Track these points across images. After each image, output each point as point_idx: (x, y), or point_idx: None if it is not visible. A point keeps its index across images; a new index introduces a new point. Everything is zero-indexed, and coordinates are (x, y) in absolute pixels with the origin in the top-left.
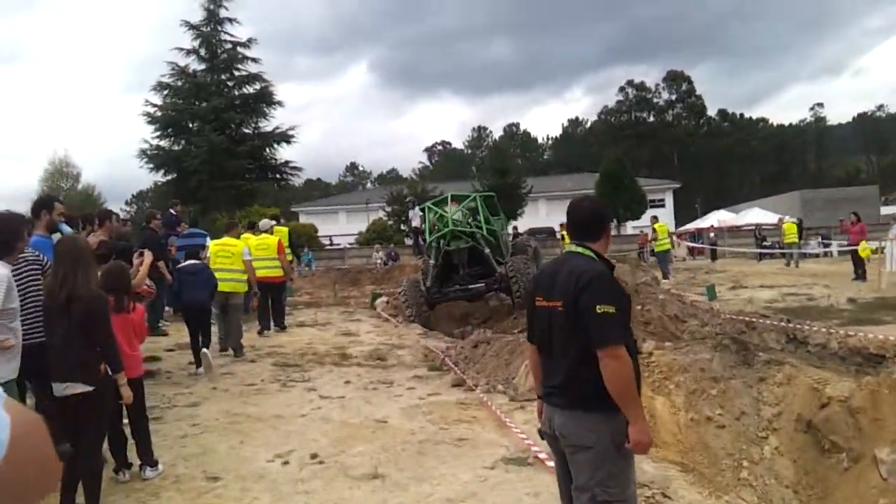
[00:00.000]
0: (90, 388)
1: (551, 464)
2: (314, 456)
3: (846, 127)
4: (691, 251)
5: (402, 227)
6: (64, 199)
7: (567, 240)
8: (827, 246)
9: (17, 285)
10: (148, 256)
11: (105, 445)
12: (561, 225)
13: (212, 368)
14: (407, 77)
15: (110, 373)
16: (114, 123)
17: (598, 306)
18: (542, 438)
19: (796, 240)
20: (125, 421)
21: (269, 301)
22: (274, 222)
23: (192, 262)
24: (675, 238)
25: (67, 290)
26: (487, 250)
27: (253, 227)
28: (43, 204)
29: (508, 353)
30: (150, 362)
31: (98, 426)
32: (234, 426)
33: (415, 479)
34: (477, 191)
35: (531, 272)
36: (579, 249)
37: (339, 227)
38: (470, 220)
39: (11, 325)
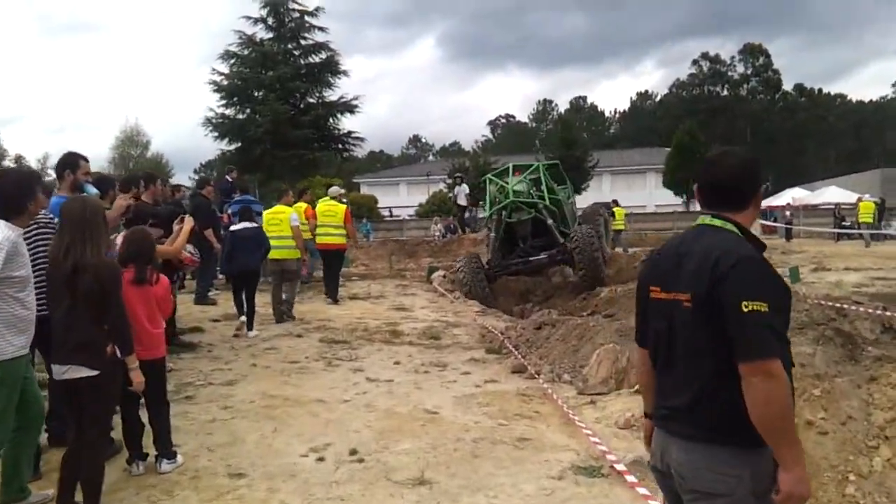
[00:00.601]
0: (94, 373)
1: (632, 478)
2: (353, 452)
3: None
4: (764, 229)
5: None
6: (133, 166)
7: (618, 215)
8: None
9: (29, 251)
10: (188, 223)
11: (118, 434)
12: (614, 202)
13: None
14: (474, 50)
15: (119, 355)
16: (186, 93)
17: (744, 303)
18: (652, 473)
19: (871, 220)
20: (143, 406)
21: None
22: (343, 190)
23: (246, 224)
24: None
25: (74, 259)
26: (550, 221)
27: (302, 195)
28: (66, 163)
29: (576, 337)
30: (192, 333)
31: (101, 416)
32: (269, 411)
33: (467, 488)
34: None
35: (597, 243)
36: (717, 222)
37: (400, 199)
38: (532, 191)
39: (19, 294)
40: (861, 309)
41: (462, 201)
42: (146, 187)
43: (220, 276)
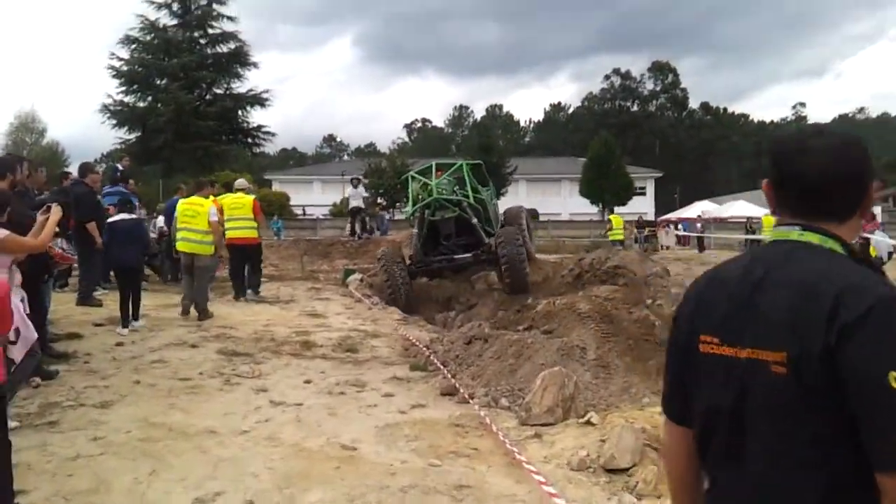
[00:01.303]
0: None
1: None
2: None
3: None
4: (680, 240)
5: (378, 199)
6: (28, 153)
7: (616, 223)
8: None
9: None
10: (55, 213)
11: None
12: (609, 209)
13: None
14: (391, 53)
15: None
16: (87, 80)
17: (894, 375)
18: None
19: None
20: None
21: (244, 265)
22: (247, 184)
23: (123, 216)
24: (660, 226)
25: None
26: (475, 220)
27: (229, 188)
28: None
29: (513, 356)
30: (68, 341)
31: None
32: (147, 445)
33: None
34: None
35: (522, 244)
36: (813, 238)
37: (313, 198)
38: (456, 189)
39: None
40: None
41: (357, 203)
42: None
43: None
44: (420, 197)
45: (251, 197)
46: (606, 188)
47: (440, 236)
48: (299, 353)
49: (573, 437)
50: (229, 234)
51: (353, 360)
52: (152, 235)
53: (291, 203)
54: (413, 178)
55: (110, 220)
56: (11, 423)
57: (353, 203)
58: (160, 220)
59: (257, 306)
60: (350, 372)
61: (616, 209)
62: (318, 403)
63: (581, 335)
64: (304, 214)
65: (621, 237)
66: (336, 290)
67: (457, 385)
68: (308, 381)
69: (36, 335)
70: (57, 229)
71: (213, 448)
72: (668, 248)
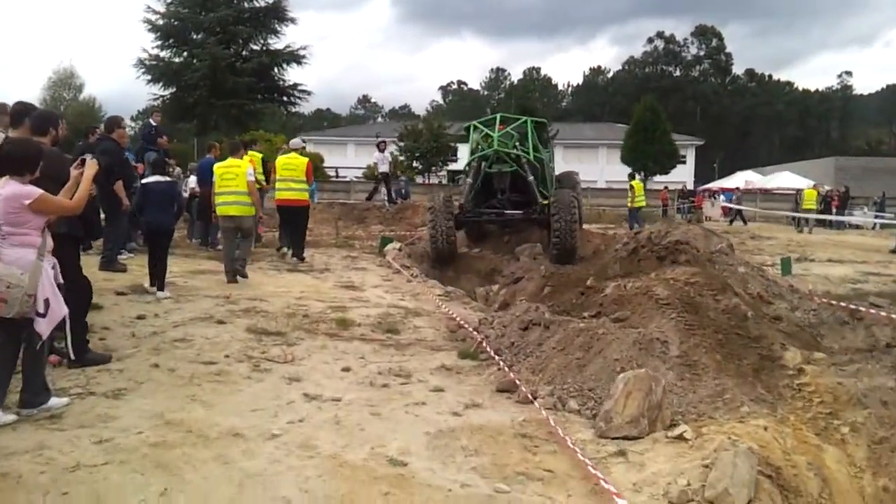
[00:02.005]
0: None
1: None
2: None
3: (873, 97)
4: (725, 212)
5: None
6: (65, 109)
7: (638, 190)
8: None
9: None
10: (91, 167)
11: None
12: (630, 175)
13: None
14: (430, 13)
15: None
16: (125, 36)
17: None
18: None
19: (814, 207)
20: None
21: (289, 224)
22: (303, 143)
23: (157, 178)
24: (700, 197)
25: None
26: (531, 178)
27: (235, 152)
28: None
29: (581, 348)
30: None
31: None
32: (161, 452)
33: None
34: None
35: (577, 211)
36: None
37: (347, 160)
38: (517, 144)
39: None
40: (882, 313)
41: (384, 168)
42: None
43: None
44: (480, 147)
45: (305, 159)
46: (650, 155)
47: (494, 190)
48: (336, 334)
49: (666, 458)
50: (279, 194)
51: (395, 343)
52: (186, 194)
53: (325, 165)
54: (475, 127)
55: (144, 181)
56: (8, 417)
57: (382, 168)
58: (192, 180)
59: (290, 276)
60: (393, 358)
61: (657, 178)
62: (358, 399)
63: (661, 326)
64: (338, 176)
65: (643, 204)
66: (372, 259)
67: (516, 380)
68: (346, 369)
69: (66, 310)
70: (93, 188)
71: (237, 458)
72: (711, 219)
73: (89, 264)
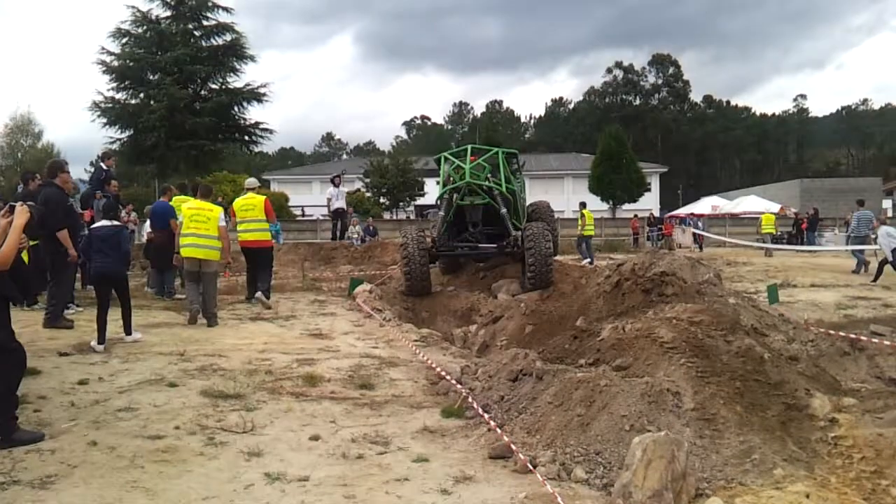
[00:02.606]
0: None
1: None
2: None
3: (828, 119)
4: (696, 239)
5: (381, 198)
6: (22, 156)
7: (588, 219)
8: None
9: None
10: (20, 214)
11: None
12: (581, 204)
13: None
14: (392, 50)
15: None
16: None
17: None
18: None
19: (773, 230)
20: None
21: (255, 268)
22: (257, 183)
23: (105, 223)
24: (676, 224)
25: None
26: (504, 210)
27: (196, 192)
28: None
29: (582, 402)
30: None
31: None
32: None
33: None
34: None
35: (551, 243)
36: None
37: (313, 198)
38: (489, 176)
39: None
40: (886, 342)
41: (339, 203)
42: None
43: (87, 288)
44: (451, 179)
45: (262, 197)
46: (617, 184)
47: (466, 223)
48: (302, 393)
49: None
50: (242, 236)
51: (370, 402)
52: (143, 240)
53: (290, 204)
54: (446, 158)
55: (92, 226)
56: None
57: (336, 204)
58: (147, 226)
59: (253, 325)
60: (368, 420)
61: (626, 206)
62: (329, 477)
63: (670, 374)
64: (304, 215)
65: (592, 232)
66: (342, 302)
67: (511, 444)
68: (315, 437)
69: None
70: (24, 239)
71: None
72: (683, 247)
73: (33, 321)
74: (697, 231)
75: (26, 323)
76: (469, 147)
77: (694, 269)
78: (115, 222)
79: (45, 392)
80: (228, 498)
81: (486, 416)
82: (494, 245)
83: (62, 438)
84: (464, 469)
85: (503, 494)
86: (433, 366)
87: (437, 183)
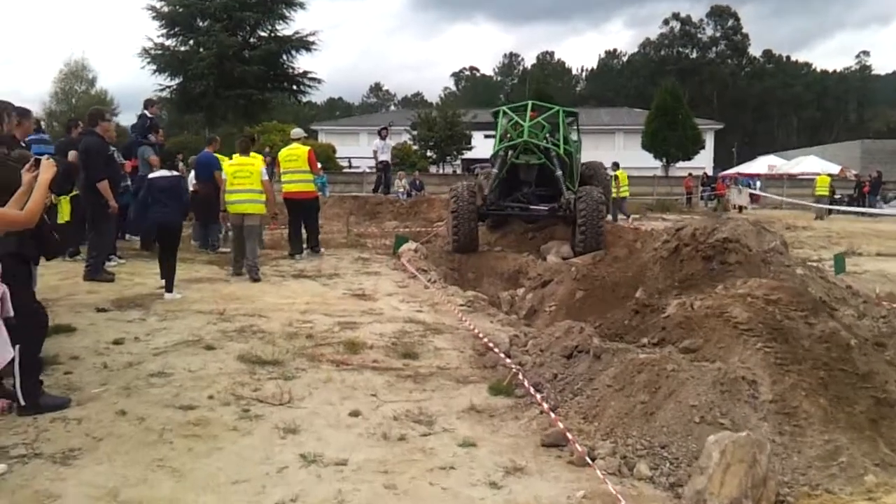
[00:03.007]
0: None
1: None
2: None
3: (892, 77)
4: (755, 199)
5: (428, 152)
6: (76, 102)
7: (623, 180)
8: None
9: None
10: (46, 169)
11: None
12: (614, 164)
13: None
14: None
15: None
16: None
17: None
18: None
19: (826, 193)
20: None
21: (301, 221)
22: (303, 133)
23: (164, 173)
24: (732, 184)
25: None
26: (560, 172)
27: (246, 150)
28: None
29: (645, 388)
30: (55, 336)
31: None
32: None
33: None
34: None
35: (604, 209)
36: None
37: (360, 149)
38: (547, 135)
39: None
40: None
41: (385, 156)
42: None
43: (129, 238)
44: (508, 136)
45: (306, 148)
46: (672, 140)
47: (519, 181)
48: (343, 361)
49: None
50: (285, 187)
51: (414, 373)
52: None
53: (337, 155)
54: (504, 113)
55: (150, 176)
56: None
57: (382, 157)
58: (191, 177)
59: (295, 283)
60: (411, 395)
61: (680, 164)
62: (369, 461)
63: (745, 360)
64: (350, 167)
65: (627, 194)
66: (386, 261)
67: (566, 432)
68: (355, 413)
69: (11, 353)
70: (50, 194)
71: None
72: (739, 208)
73: (74, 272)
74: (755, 191)
75: (66, 275)
76: (529, 103)
77: (759, 235)
78: (174, 172)
79: (79, 352)
80: (260, 483)
81: (537, 396)
82: (546, 207)
83: (90, 405)
84: (514, 458)
85: (559, 491)
86: (480, 335)
87: (487, 137)
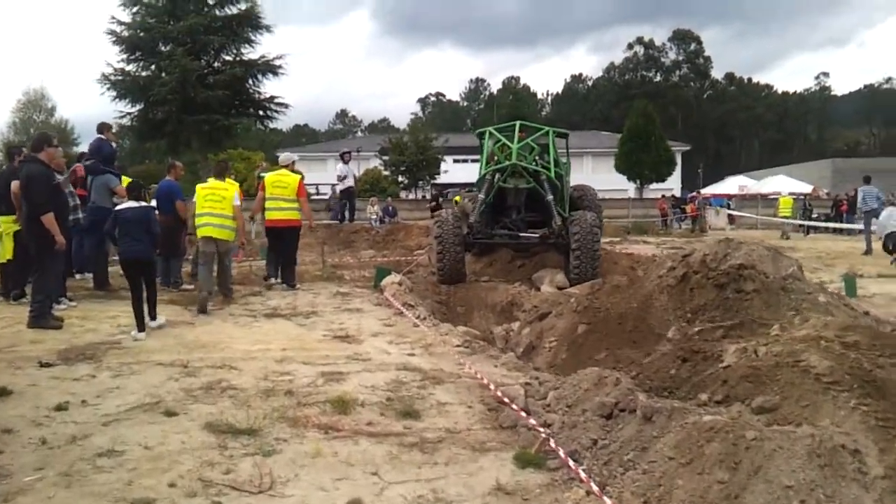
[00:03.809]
0: None
1: None
2: None
3: (851, 97)
4: (731, 219)
5: (399, 177)
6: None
7: None
8: None
9: None
10: None
11: None
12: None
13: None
14: (410, 25)
15: None
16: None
17: None
18: None
19: (790, 214)
20: None
21: (279, 250)
22: (295, 157)
23: (132, 204)
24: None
25: None
26: (550, 196)
27: (221, 174)
28: None
29: (722, 464)
30: None
31: None
32: None
33: None
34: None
35: (599, 235)
36: None
37: (328, 176)
38: (536, 158)
39: None
40: None
41: (349, 182)
42: None
43: (80, 276)
44: (496, 158)
45: (297, 176)
46: (646, 163)
47: (506, 207)
48: (333, 427)
49: None
50: (270, 214)
51: (419, 440)
52: None
53: (306, 182)
54: (491, 134)
55: (118, 208)
56: None
57: (347, 182)
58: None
59: (268, 324)
60: (420, 472)
61: (653, 185)
62: None
63: (839, 422)
64: (318, 193)
65: None
66: (367, 295)
67: None
68: (356, 503)
69: None
70: None
71: None
72: (715, 229)
73: (18, 318)
74: (732, 212)
75: (9, 322)
76: (518, 123)
77: (775, 260)
78: (142, 203)
79: (13, 423)
80: None
81: (579, 470)
82: (537, 234)
83: (19, 500)
84: None
85: None
86: (488, 384)
87: (456, 162)
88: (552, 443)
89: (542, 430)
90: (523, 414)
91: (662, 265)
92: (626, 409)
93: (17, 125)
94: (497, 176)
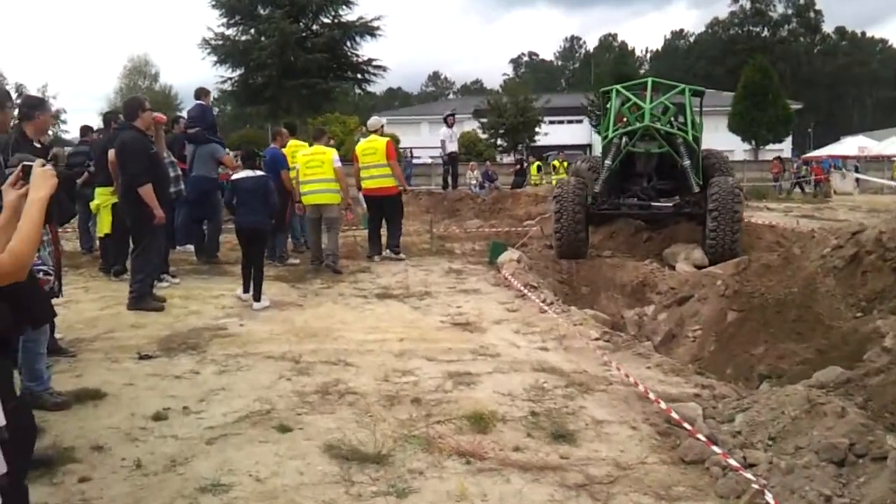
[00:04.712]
0: None
1: None
2: None
3: None
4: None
5: (498, 140)
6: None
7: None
8: None
9: None
10: (42, 182)
11: None
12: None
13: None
14: None
15: None
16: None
17: None
18: None
19: None
20: None
21: (381, 219)
22: (384, 120)
23: (248, 173)
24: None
25: None
26: (687, 161)
27: (318, 138)
28: None
29: None
30: (76, 407)
31: None
32: None
33: None
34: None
35: (740, 204)
36: None
37: (422, 139)
38: (672, 119)
39: None
40: None
41: (453, 147)
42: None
43: (180, 248)
44: (625, 119)
45: (384, 139)
46: (763, 122)
47: (633, 174)
48: (474, 453)
49: None
50: (364, 184)
51: (584, 478)
52: None
53: (400, 146)
54: (618, 93)
55: (234, 177)
56: None
57: (450, 147)
58: None
59: (381, 306)
60: None
61: (771, 146)
62: None
63: None
64: (412, 157)
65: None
66: (482, 273)
67: None
68: None
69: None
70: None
71: None
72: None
73: (117, 298)
74: (861, 176)
75: (108, 302)
76: (649, 80)
77: None
78: (259, 172)
79: (106, 437)
80: None
81: None
82: (671, 204)
83: None
84: None
85: None
86: (657, 400)
87: (552, 123)
88: (769, 497)
89: (748, 474)
90: (714, 448)
91: (825, 242)
92: (867, 455)
93: (123, 91)
94: (625, 139)
